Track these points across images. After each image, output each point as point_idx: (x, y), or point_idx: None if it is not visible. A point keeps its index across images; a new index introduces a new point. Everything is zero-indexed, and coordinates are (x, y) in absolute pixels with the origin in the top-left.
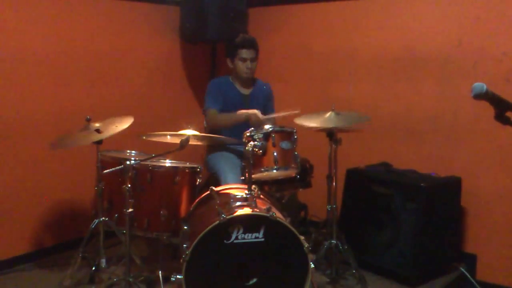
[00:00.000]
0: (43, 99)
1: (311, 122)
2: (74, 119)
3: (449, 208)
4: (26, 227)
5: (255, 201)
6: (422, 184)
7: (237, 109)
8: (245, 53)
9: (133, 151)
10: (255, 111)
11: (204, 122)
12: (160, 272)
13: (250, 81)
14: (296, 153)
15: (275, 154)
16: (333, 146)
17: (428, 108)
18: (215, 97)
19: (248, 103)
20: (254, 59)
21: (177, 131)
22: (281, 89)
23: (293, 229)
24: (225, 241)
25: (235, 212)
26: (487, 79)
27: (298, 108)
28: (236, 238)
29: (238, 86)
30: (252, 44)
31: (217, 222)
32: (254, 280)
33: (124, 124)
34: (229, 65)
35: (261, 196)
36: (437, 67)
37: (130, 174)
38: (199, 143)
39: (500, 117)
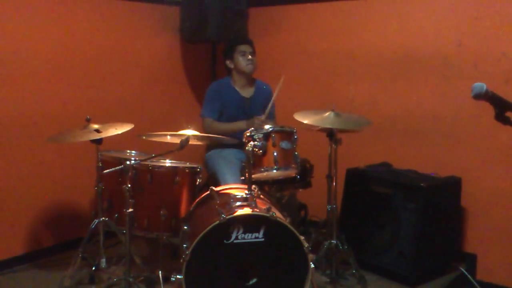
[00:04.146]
0: (43, 99)
1: (311, 120)
2: (74, 119)
3: (449, 208)
4: (26, 227)
5: (255, 201)
6: (422, 184)
7: (238, 112)
8: (243, 47)
9: (133, 151)
10: (257, 119)
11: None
12: (160, 272)
13: (251, 82)
14: (296, 153)
15: (275, 154)
16: (333, 146)
17: (428, 108)
18: (212, 104)
19: (248, 106)
20: (253, 53)
21: (177, 131)
22: (281, 89)
23: (293, 229)
24: (225, 241)
25: (235, 212)
26: (487, 79)
27: (282, 76)
28: (236, 238)
29: (238, 89)
30: (248, 40)
31: (217, 222)
32: (254, 280)
33: (123, 128)
34: (230, 66)
35: (261, 196)
36: (437, 67)
37: (130, 174)
38: (199, 143)
39: (500, 117)
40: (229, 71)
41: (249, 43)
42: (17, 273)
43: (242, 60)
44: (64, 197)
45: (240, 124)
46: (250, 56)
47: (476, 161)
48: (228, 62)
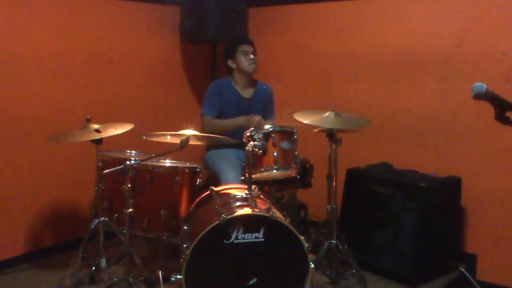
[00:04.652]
0: (43, 99)
1: (311, 121)
2: (74, 119)
3: (449, 208)
4: (26, 227)
5: (255, 201)
6: (422, 184)
7: (237, 112)
8: (245, 47)
9: (133, 151)
10: (256, 116)
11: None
12: (160, 272)
13: (251, 82)
14: (296, 153)
15: (275, 154)
16: (333, 146)
17: (428, 108)
18: (212, 103)
19: (249, 106)
20: (254, 53)
21: (177, 131)
22: (281, 89)
23: (293, 229)
24: (225, 241)
25: (235, 212)
26: (487, 79)
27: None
28: (236, 238)
29: (239, 89)
30: (249, 40)
31: (217, 222)
32: (254, 280)
33: (123, 128)
34: (231, 66)
35: (261, 196)
36: (437, 67)
37: (130, 174)
38: (199, 143)
39: (500, 117)
40: (230, 71)
41: (251, 43)
42: (17, 273)
43: (244, 60)
44: (64, 197)
45: (238, 120)
46: (252, 56)
47: (476, 161)
48: (229, 62)
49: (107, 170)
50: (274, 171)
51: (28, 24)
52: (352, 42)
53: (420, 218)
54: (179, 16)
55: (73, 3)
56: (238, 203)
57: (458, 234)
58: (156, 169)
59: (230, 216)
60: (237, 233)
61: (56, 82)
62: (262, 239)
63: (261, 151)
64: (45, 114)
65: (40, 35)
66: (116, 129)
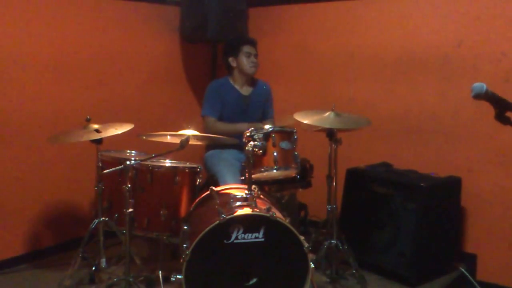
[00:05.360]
0: (43, 99)
1: (311, 120)
2: (74, 119)
3: (449, 208)
4: (26, 227)
5: (255, 201)
6: (422, 184)
7: (237, 110)
8: (249, 48)
9: (133, 151)
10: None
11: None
12: (160, 272)
13: (251, 81)
14: (296, 153)
15: (275, 154)
16: (333, 146)
17: (428, 108)
18: (213, 103)
19: (248, 104)
20: (256, 55)
21: (177, 131)
22: (281, 89)
23: (293, 229)
24: (225, 241)
25: (235, 212)
26: (487, 79)
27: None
28: (236, 238)
29: (238, 87)
30: (254, 41)
31: (217, 222)
32: (254, 280)
33: (123, 128)
34: (232, 64)
35: (261, 196)
36: (437, 67)
37: (130, 174)
38: (199, 143)
39: (500, 117)
40: (229, 68)
41: (254, 44)
42: (17, 273)
43: (246, 62)
44: (64, 197)
45: (242, 126)
46: (254, 59)
47: (476, 161)
48: (230, 60)
49: (107, 170)
50: (274, 171)
51: (27, 24)
52: (352, 42)
53: (420, 218)
54: (179, 16)
55: (73, 3)
56: (238, 203)
57: (458, 234)
58: (156, 169)
59: (230, 216)
60: (237, 233)
61: (56, 82)
62: (262, 239)
63: (261, 151)
64: (45, 114)
65: (40, 35)
66: (116, 129)
